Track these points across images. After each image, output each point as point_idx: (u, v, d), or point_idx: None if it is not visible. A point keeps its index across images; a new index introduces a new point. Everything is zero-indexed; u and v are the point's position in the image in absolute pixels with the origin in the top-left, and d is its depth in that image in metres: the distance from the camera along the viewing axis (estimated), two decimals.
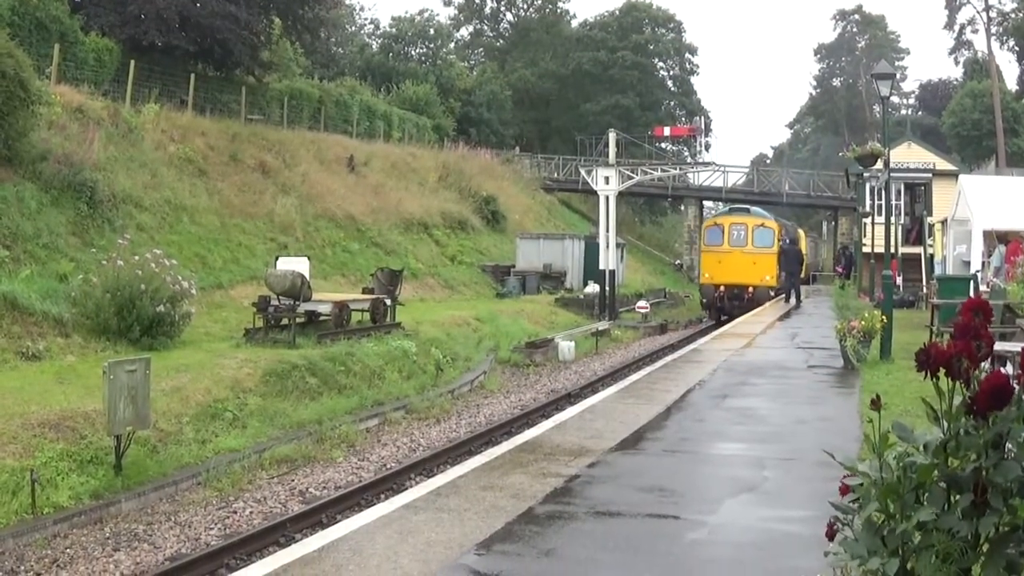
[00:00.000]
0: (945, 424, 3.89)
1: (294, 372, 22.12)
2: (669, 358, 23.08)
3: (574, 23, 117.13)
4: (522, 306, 41.76)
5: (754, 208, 53.97)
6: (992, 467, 3.72)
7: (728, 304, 47.72)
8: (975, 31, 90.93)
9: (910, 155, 52.91)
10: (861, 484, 4.09)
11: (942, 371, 3.84)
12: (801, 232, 68.54)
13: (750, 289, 47.44)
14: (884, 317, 21.55)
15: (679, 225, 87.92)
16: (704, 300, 50.45)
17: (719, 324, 44.41)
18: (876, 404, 4.18)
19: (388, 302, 29.30)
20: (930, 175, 52.44)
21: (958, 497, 3.81)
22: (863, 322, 21.15)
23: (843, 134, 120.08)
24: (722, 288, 47.66)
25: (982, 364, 3.86)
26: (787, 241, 49.38)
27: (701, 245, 52.17)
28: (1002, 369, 3.94)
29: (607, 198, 45.80)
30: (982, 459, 3.76)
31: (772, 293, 48.34)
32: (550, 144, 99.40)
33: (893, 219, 32.36)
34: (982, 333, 3.86)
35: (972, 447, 3.81)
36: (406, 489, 12.73)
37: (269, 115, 49.30)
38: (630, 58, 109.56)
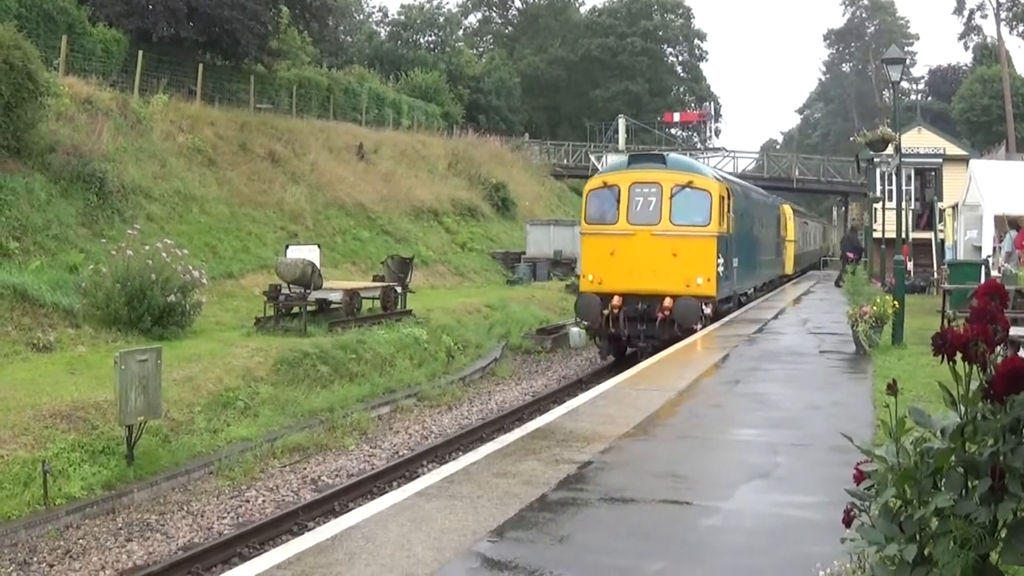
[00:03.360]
0: (962, 408, 3.86)
1: (305, 360, 22.13)
2: (679, 345, 23.03)
3: (583, 9, 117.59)
4: (532, 293, 41.75)
5: (673, 155, 31.72)
6: (1010, 452, 3.69)
7: (629, 328, 27.11)
8: (984, 16, 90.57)
9: (920, 140, 52.67)
10: (877, 470, 4.06)
11: (959, 355, 3.82)
12: (789, 208, 54.90)
13: (666, 303, 26.38)
14: (896, 302, 21.48)
15: None
16: (584, 321, 28.57)
17: (620, 365, 26.34)
18: (892, 389, 4.15)
19: (399, 290, 29.41)
20: (940, 160, 52.22)
21: (976, 482, 3.79)
22: (875, 307, 21.09)
23: (853, 119, 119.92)
24: (616, 301, 26.83)
25: (997, 348, 3.83)
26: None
27: (582, 223, 29.60)
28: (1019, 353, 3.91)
29: None
30: (999, 444, 3.74)
31: (708, 309, 27.50)
32: (559, 131, 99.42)
33: (904, 204, 32.22)
34: (998, 317, 3.83)
35: (989, 432, 3.78)
36: (418, 476, 12.72)
37: (278, 104, 49.35)
38: (639, 44, 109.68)
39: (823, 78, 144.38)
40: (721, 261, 27.87)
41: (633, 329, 27.05)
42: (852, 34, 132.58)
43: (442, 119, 69.76)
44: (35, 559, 12.97)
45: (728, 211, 29.15)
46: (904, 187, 36.31)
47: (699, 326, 26.49)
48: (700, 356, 21.67)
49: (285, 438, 18.85)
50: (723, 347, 22.58)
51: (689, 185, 27.40)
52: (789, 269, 53.83)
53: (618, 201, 27.78)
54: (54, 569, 12.81)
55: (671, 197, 27.28)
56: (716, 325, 27.74)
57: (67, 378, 18.01)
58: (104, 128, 30.66)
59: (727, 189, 29.59)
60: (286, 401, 20.34)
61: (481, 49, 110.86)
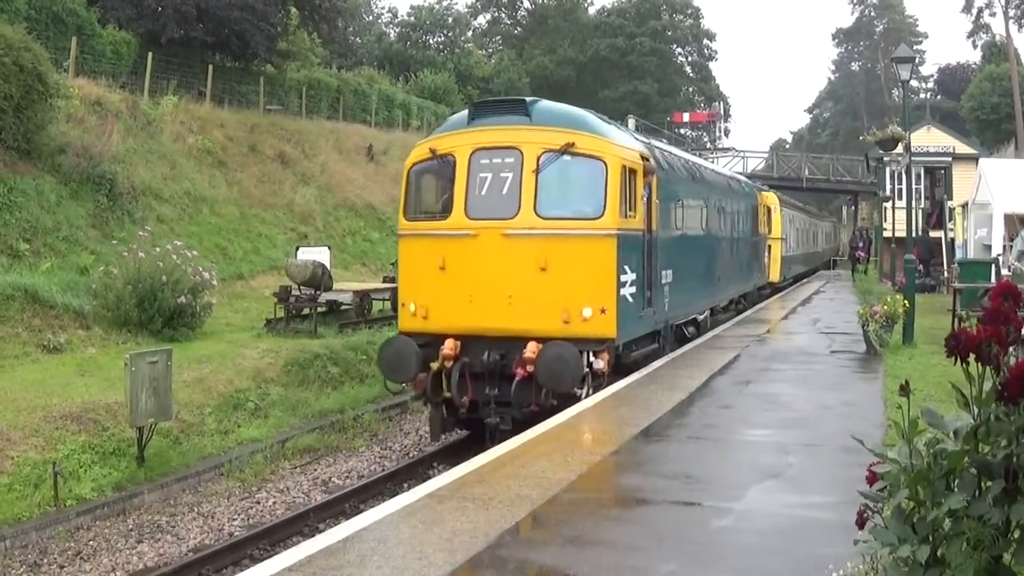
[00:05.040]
0: (975, 410, 3.85)
1: (316, 362, 22.17)
2: (689, 346, 22.99)
3: (591, 10, 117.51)
4: None
5: (544, 103, 18.51)
6: (1023, 453, 3.68)
7: (474, 390, 16.72)
8: (993, 14, 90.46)
9: (930, 139, 52.64)
10: (890, 471, 4.05)
11: (972, 356, 3.81)
12: (774, 197, 43.94)
13: (527, 352, 16.16)
14: (906, 302, 21.45)
15: None
16: (394, 382, 18.18)
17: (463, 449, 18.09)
18: (905, 390, 4.14)
19: None
20: (950, 159, 52.23)
21: (989, 484, 3.78)
22: (885, 307, 21.06)
23: (862, 118, 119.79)
24: (449, 348, 16.80)
25: (1010, 349, 3.83)
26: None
27: (400, 219, 18.95)
28: None
29: None
30: (1013, 445, 3.73)
31: (600, 361, 16.79)
32: None
33: (914, 203, 32.18)
34: (1012, 318, 3.82)
35: (1003, 433, 3.77)
36: (430, 478, 12.72)
37: (287, 105, 49.38)
38: (648, 44, 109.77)
39: (832, 77, 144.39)
40: (630, 277, 17.62)
41: (480, 392, 16.58)
42: (861, 33, 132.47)
43: None
44: (46, 560, 12.99)
45: (648, 195, 19.03)
46: (914, 186, 36.24)
47: (583, 391, 16.35)
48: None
49: (295, 439, 18.88)
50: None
51: (569, 150, 16.90)
52: (774, 276, 42.53)
53: (452, 180, 17.41)
54: (65, 570, 12.84)
55: (537, 171, 16.84)
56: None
57: (77, 380, 18.05)
58: (114, 130, 30.72)
59: (645, 160, 19.01)
60: (296, 402, 20.38)
61: (490, 50, 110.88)
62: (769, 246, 40.71)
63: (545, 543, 8.16)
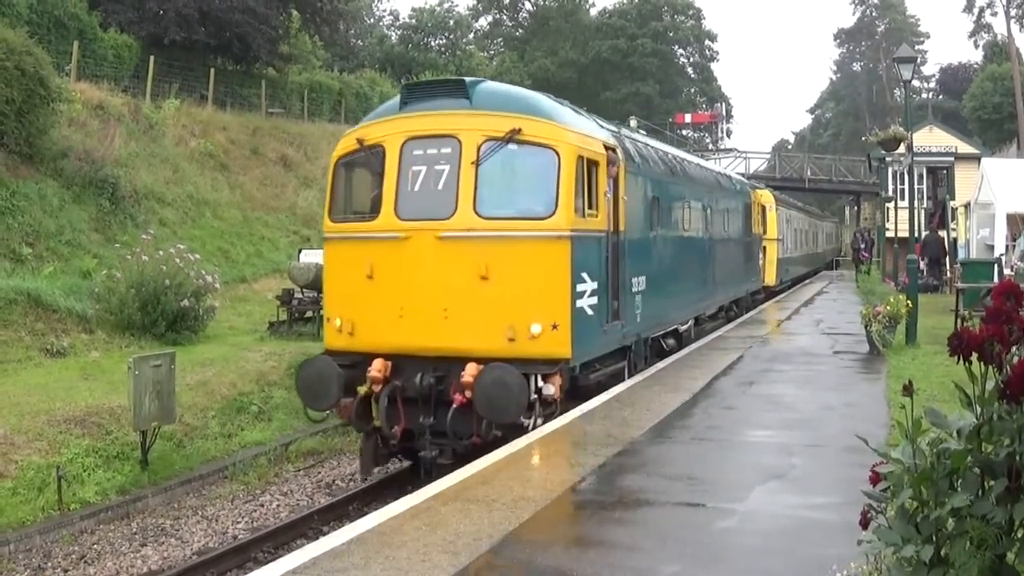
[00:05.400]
0: (978, 409, 3.86)
1: None
2: (694, 346, 22.97)
3: (593, 11, 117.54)
4: None
5: (487, 84, 16.35)
6: None
7: (407, 418, 14.59)
8: (994, 14, 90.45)
9: (932, 139, 52.68)
10: (893, 471, 4.06)
11: (975, 356, 3.81)
12: (769, 195, 41.66)
13: (466, 376, 13.74)
14: (909, 302, 21.44)
15: None
16: (315, 410, 15.56)
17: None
18: (908, 390, 4.15)
19: None
20: (952, 159, 52.25)
21: (992, 483, 3.79)
22: (888, 307, 21.05)
23: (864, 119, 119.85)
24: (377, 371, 14.58)
25: (1013, 348, 3.83)
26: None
27: (324, 220, 16.42)
28: None
29: None
30: (1016, 444, 3.74)
31: (551, 387, 14.11)
32: None
33: (916, 203, 32.18)
34: (1014, 317, 3.82)
35: (1006, 432, 3.78)
36: (433, 480, 12.77)
37: (289, 108, 49.45)
38: (649, 46, 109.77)
39: (834, 77, 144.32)
40: (590, 286, 15.23)
41: (414, 420, 14.49)
42: (862, 33, 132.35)
43: None
44: (49, 564, 13.00)
45: (614, 191, 16.76)
46: (916, 186, 36.24)
47: (530, 421, 13.88)
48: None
49: (299, 442, 18.89)
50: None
51: (515, 137, 14.61)
52: (769, 279, 39.86)
53: (381, 175, 15.19)
54: (68, 574, 12.85)
55: (477, 163, 14.59)
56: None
57: (81, 383, 18.06)
58: (116, 133, 30.74)
59: (610, 149, 16.74)
60: (300, 405, 20.34)
61: (492, 52, 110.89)
62: (764, 247, 37.93)
63: (548, 545, 8.16)
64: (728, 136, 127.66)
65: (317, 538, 8.85)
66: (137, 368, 15.24)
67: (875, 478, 4.19)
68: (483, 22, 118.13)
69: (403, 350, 14.60)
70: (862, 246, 57.18)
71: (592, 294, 15.21)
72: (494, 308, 14.17)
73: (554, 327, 14.15)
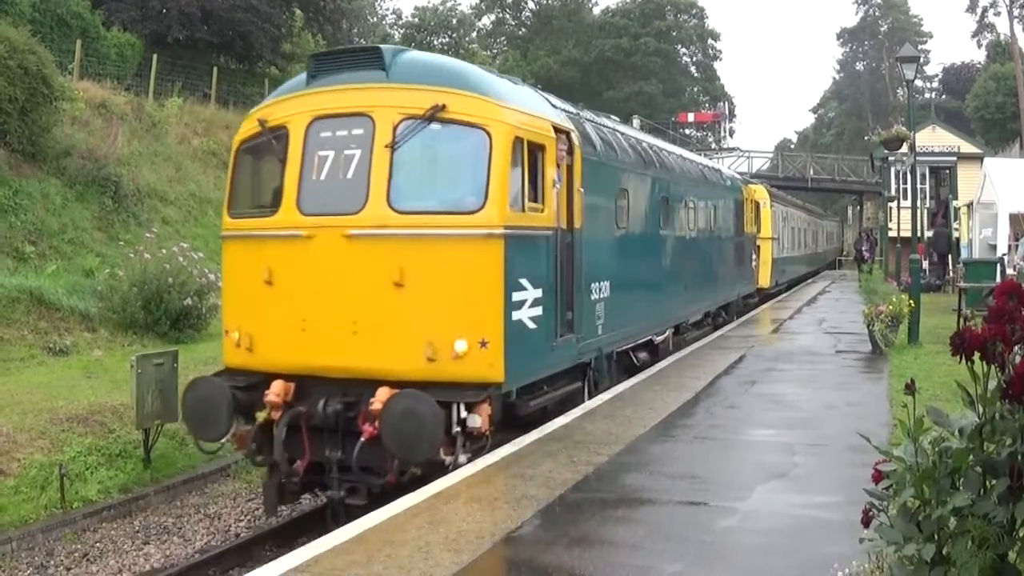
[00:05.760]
0: (980, 408, 3.86)
1: None
2: (696, 345, 22.97)
3: (596, 10, 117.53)
4: None
5: (409, 54, 13.51)
6: None
7: (312, 451, 12.13)
8: (997, 13, 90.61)
9: (935, 139, 52.59)
10: (895, 470, 4.06)
11: (977, 355, 3.82)
12: (763, 191, 39.11)
13: (375, 403, 11.28)
14: (912, 301, 21.44)
15: None
16: (205, 441, 13.29)
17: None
18: (911, 389, 4.15)
19: None
20: (955, 158, 52.18)
21: (994, 482, 3.79)
22: (891, 306, 21.06)
23: (867, 118, 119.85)
24: (275, 395, 12.20)
25: (1015, 348, 3.84)
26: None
27: (223, 218, 13.95)
28: None
29: None
30: (1018, 443, 3.74)
31: (478, 418, 11.43)
32: None
33: (919, 203, 32.15)
34: (1016, 316, 3.83)
35: (1008, 431, 3.79)
36: (436, 479, 12.80)
37: None
38: (652, 44, 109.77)
39: (837, 77, 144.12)
40: (531, 295, 12.75)
41: (321, 453, 12.15)
42: (865, 32, 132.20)
43: None
44: (52, 562, 13.00)
45: (567, 181, 14.36)
46: (919, 185, 36.19)
47: (451, 458, 11.47)
48: None
49: None
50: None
51: (438, 115, 12.22)
52: (763, 281, 37.35)
53: (283, 162, 12.86)
54: (71, 572, 12.84)
55: (393, 146, 12.17)
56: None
57: (83, 382, 18.08)
58: (119, 132, 30.76)
59: (562, 132, 14.30)
60: None
61: (495, 51, 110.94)
62: (758, 247, 35.48)
63: (551, 543, 8.16)
64: (731, 135, 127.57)
65: (320, 536, 8.81)
66: (140, 366, 15.23)
67: (877, 476, 4.19)
68: (486, 21, 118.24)
69: (307, 370, 12.25)
70: (864, 246, 57.21)
71: (535, 303, 12.83)
72: (411, 321, 11.82)
73: (483, 344, 11.73)
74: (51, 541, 13.47)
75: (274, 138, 13.05)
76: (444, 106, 12.04)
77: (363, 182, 12.05)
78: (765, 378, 17.64)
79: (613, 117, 20.68)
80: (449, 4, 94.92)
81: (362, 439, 11.33)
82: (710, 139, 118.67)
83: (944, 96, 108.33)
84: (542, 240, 13.22)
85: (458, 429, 11.31)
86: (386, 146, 12.04)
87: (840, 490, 9.42)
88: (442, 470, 11.18)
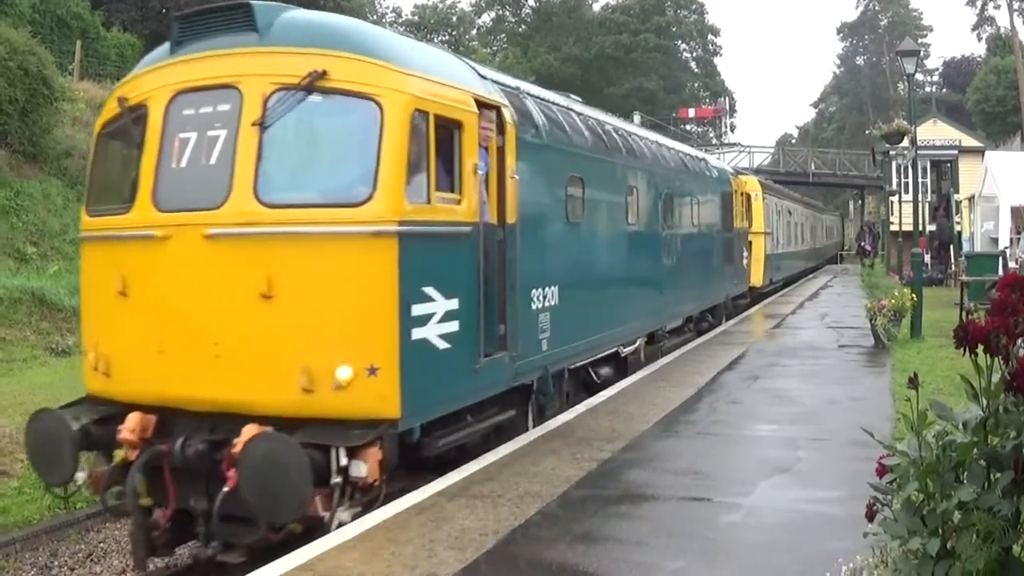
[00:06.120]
0: (984, 401, 3.85)
1: None
2: (697, 342, 22.95)
3: (596, 6, 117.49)
4: None
5: (291, 12, 10.47)
6: None
7: (178, 497, 9.65)
8: (997, 7, 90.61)
9: (936, 132, 52.57)
10: (899, 464, 4.06)
11: (980, 348, 3.81)
12: (755, 182, 35.28)
13: (236, 445, 8.79)
14: (914, 295, 21.43)
15: None
16: (40, 471, 10.56)
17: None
18: (914, 382, 4.14)
19: None
20: (956, 152, 52.16)
21: (998, 475, 3.78)
22: (893, 300, 21.05)
23: (868, 113, 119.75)
24: (129, 431, 9.65)
25: (1019, 340, 3.83)
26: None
27: (81, 216, 11.56)
28: None
29: None
30: (1022, 436, 3.73)
31: (363, 466, 8.86)
32: None
33: (920, 197, 32.13)
34: (1020, 309, 3.82)
35: (1012, 424, 3.77)
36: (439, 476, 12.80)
37: None
38: (653, 40, 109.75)
39: (837, 72, 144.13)
40: (442, 307, 10.21)
41: (186, 500, 9.72)
42: (865, 27, 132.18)
43: None
44: (56, 563, 13.00)
45: (495, 165, 11.75)
46: (920, 179, 36.19)
47: (329, 513, 8.92)
48: None
49: None
50: None
51: (317, 84, 9.59)
52: (756, 280, 34.24)
53: (140, 147, 10.29)
54: (75, 572, 12.85)
55: (262, 123, 9.59)
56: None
57: None
58: None
59: (486, 107, 11.62)
60: None
61: (495, 48, 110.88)
62: (750, 243, 32.58)
63: (554, 540, 8.15)
64: (732, 130, 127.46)
65: (324, 533, 8.74)
66: None
67: (881, 471, 4.19)
68: (486, 18, 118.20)
69: (166, 400, 9.80)
70: (866, 241, 57.17)
71: (447, 317, 10.26)
72: (282, 342, 9.33)
73: (371, 371, 9.17)
74: (55, 541, 13.48)
75: (134, 119, 10.51)
76: (325, 72, 9.54)
77: (227, 170, 9.57)
78: (768, 373, 17.63)
79: (574, 96, 17.87)
80: (449, 1, 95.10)
81: (225, 489, 8.96)
82: (711, 135, 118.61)
83: (945, 90, 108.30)
84: (458, 238, 10.65)
85: (338, 479, 8.91)
86: (254, 124, 9.56)
87: (843, 485, 9.40)
88: (322, 528, 8.91)
